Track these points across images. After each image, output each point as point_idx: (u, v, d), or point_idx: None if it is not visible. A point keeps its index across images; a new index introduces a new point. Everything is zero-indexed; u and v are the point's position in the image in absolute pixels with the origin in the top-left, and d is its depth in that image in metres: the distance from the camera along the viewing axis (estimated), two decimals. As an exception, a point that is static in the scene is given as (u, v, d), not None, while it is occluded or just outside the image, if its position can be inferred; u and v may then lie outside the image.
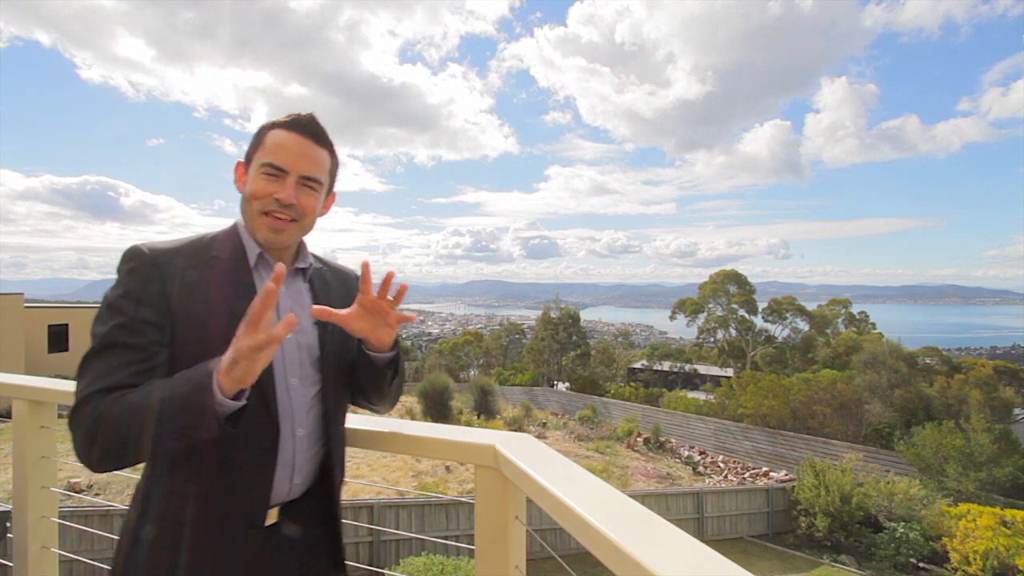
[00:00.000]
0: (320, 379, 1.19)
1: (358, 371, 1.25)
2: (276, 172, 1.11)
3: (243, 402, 0.95)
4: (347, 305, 1.25)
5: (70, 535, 7.47)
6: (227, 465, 1.07)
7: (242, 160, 1.20)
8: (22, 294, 22.65)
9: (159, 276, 1.06)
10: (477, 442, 1.23)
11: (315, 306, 1.07)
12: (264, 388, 1.08)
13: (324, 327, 1.21)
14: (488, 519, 1.20)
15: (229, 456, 1.07)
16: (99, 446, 0.95)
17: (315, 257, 1.31)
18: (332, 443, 1.23)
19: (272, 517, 1.15)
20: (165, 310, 1.04)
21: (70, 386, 2.08)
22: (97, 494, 10.37)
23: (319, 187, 1.17)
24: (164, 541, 1.06)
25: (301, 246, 1.26)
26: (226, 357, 0.91)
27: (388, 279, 1.11)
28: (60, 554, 2.09)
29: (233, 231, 1.19)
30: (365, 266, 1.11)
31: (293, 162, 1.12)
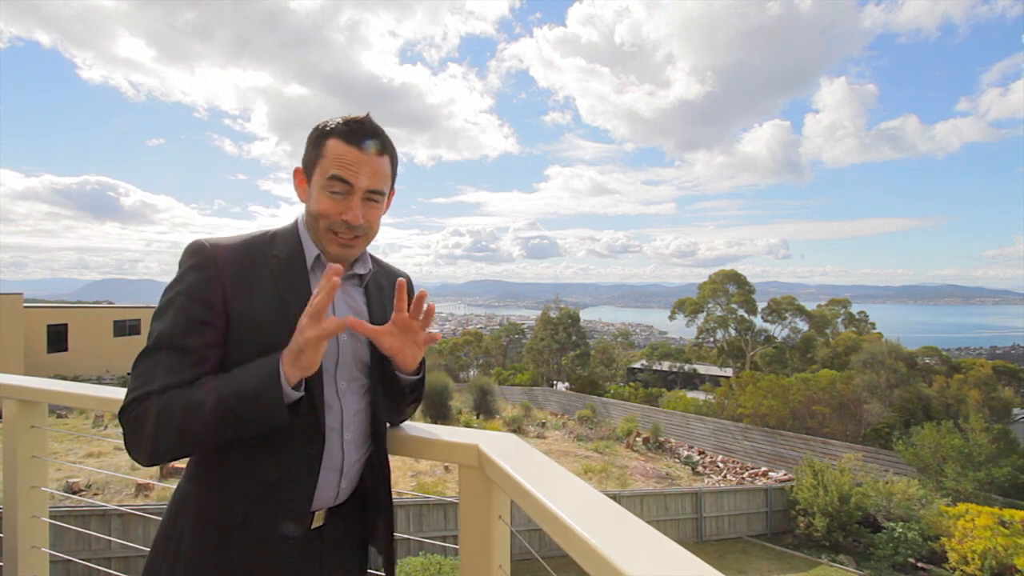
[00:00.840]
0: (369, 383, 1.20)
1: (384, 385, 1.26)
2: (341, 190, 1.10)
3: (301, 392, 1.01)
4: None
5: (68, 535, 7.47)
6: (272, 468, 1.07)
7: (299, 167, 1.18)
8: (21, 294, 22.67)
9: (217, 274, 1.06)
10: (461, 442, 1.23)
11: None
12: (314, 390, 1.08)
13: None
14: (472, 519, 1.20)
15: (274, 458, 1.07)
16: (154, 442, 0.98)
17: (373, 260, 1.30)
18: (378, 447, 1.23)
19: (319, 520, 1.14)
20: (221, 309, 1.05)
21: (61, 386, 2.08)
22: (95, 494, 10.37)
23: (383, 198, 1.16)
24: (204, 543, 1.06)
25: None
26: (291, 348, 0.97)
27: (420, 298, 1.10)
28: (51, 554, 2.09)
29: (293, 229, 1.18)
30: (401, 284, 1.10)
31: (358, 178, 1.10)
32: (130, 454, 1.02)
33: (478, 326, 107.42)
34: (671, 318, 45.54)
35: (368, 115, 1.14)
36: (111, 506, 3.65)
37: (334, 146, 1.10)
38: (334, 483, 1.15)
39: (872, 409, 22.48)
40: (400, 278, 1.34)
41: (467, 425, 19.23)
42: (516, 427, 21.32)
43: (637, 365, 45.25)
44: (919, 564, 12.97)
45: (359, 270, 1.23)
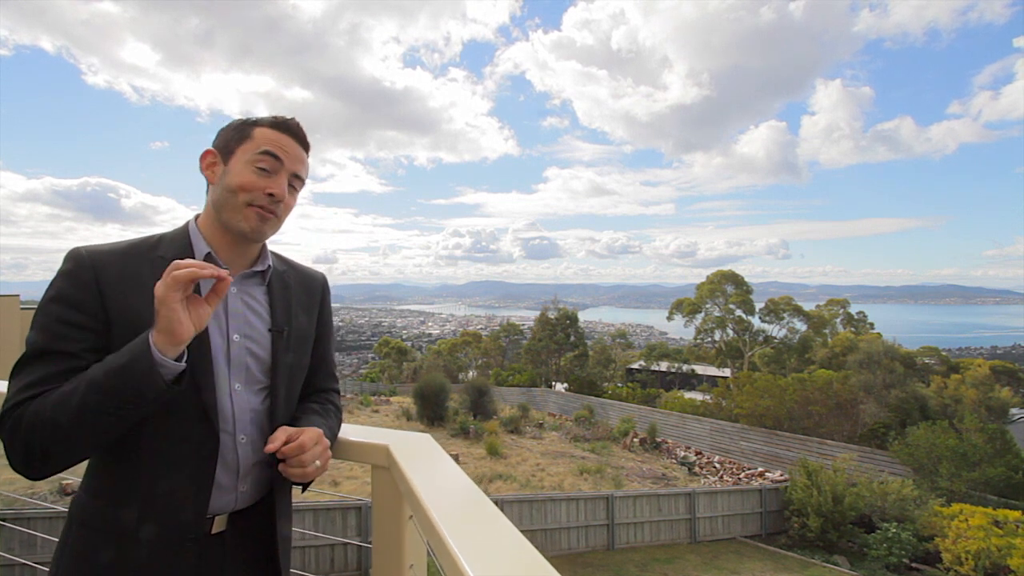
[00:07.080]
0: (268, 386, 1.16)
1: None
2: (270, 166, 1.12)
3: (183, 365, 0.96)
4: (309, 308, 1.29)
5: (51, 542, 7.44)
6: (164, 473, 1.04)
7: (211, 148, 1.16)
8: (18, 295, 22.65)
9: (94, 278, 1.03)
10: (371, 442, 1.22)
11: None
12: (203, 391, 1.06)
13: (279, 334, 1.18)
14: (383, 519, 1.19)
15: (167, 463, 1.04)
16: (26, 448, 0.92)
17: (280, 259, 1.28)
18: None
19: (220, 525, 1.11)
20: (100, 313, 1.02)
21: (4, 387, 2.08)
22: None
23: (300, 186, 1.21)
24: (96, 554, 1.03)
25: (263, 247, 1.23)
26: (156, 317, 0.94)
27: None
28: (1, 555, 2.10)
29: (183, 231, 1.15)
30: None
31: (288, 160, 1.15)
32: (12, 467, 0.97)
33: (478, 327, 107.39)
34: (669, 318, 45.50)
35: (296, 119, 1.19)
36: (62, 508, 3.66)
37: (265, 131, 1.15)
38: (231, 487, 1.11)
39: (868, 409, 22.47)
40: (316, 279, 1.34)
41: (463, 426, 19.25)
42: (513, 427, 21.32)
43: (635, 366, 45.26)
44: (913, 564, 12.94)
45: (259, 267, 1.20)
